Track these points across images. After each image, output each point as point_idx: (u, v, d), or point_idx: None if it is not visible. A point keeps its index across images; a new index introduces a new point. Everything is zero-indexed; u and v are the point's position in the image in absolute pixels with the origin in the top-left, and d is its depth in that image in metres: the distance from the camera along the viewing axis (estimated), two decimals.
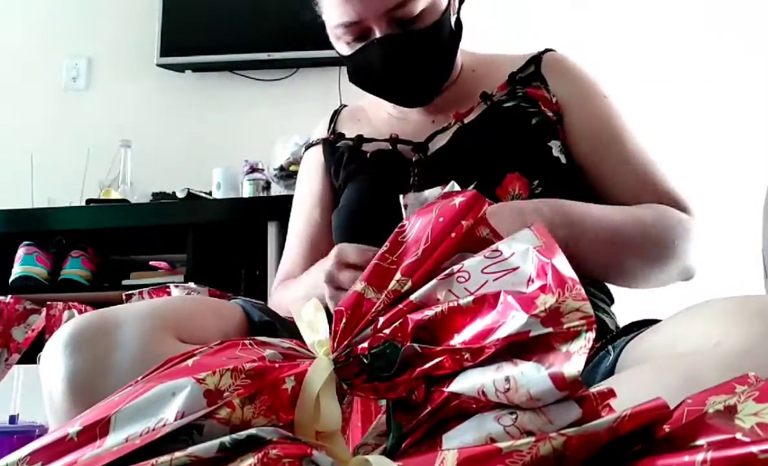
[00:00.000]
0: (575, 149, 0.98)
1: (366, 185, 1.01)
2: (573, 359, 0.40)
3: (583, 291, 0.43)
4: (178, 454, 0.41)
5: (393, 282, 0.48)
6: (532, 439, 0.36)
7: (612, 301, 0.99)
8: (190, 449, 0.41)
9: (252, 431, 0.41)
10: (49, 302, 1.41)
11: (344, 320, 0.48)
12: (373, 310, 0.47)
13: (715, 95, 2.35)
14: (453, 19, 0.99)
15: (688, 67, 2.40)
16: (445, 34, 0.97)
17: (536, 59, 1.04)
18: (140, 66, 2.56)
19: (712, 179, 2.25)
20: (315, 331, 0.48)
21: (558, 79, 1.01)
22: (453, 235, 0.50)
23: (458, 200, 0.52)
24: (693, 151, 2.30)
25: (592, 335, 0.41)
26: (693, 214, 0.94)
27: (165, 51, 2.50)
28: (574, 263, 0.88)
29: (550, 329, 0.42)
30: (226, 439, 0.41)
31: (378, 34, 0.93)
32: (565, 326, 0.41)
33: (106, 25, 2.62)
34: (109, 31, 2.62)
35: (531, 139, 0.96)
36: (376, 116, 1.12)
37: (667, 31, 2.44)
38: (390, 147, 1.02)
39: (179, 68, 2.55)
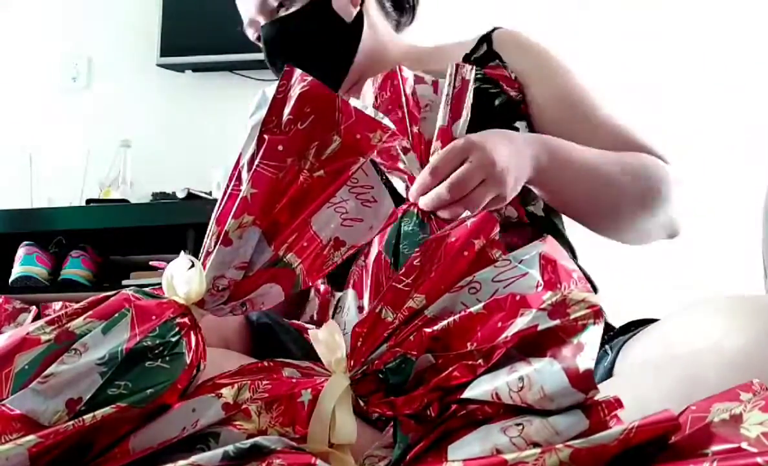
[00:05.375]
0: (542, 120, 0.96)
1: None
2: (585, 350, 0.40)
3: (588, 284, 0.44)
4: (181, 463, 0.41)
5: (408, 301, 0.49)
6: (538, 450, 0.36)
7: (595, 291, 0.98)
8: (193, 458, 0.41)
9: (256, 440, 0.41)
10: (44, 303, 1.40)
11: (361, 340, 0.49)
12: (390, 328, 0.48)
13: (716, 95, 2.35)
14: (353, 11, 1.00)
15: (689, 67, 2.39)
16: (321, 18, 0.98)
17: (486, 38, 1.01)
18: (140, 66, 2.56)
19: (712, 179, 2.24)
20: (332, 351, 0.48)
21: (514, 54, 0.99)
22: (465, 253, 0.51)
23: (470, 221, 0.53)
24: (693, 150, 2.29)
25: (600, 326, 0.41)
26: (670, 166, 0.94)
27: (165, 51, 2.50)
28: (561, 196, 0.86)
29: (557, 321, 0.42)
30: (230, 448, 0.41)
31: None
32: (572, 317, 0.42)
33: (106, 25, 2.62)
34: (109, 31, 2.61)
35: (495, 120, 0.92)
36: None
37: (669, 31, 2.43)
38: None
39: (179, 68, 2.54)
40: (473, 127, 0.90)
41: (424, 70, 0.93)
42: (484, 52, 1.00)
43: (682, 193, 0.92)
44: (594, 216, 0.91)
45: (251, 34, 1.03)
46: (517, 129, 0.93)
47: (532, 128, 0.95)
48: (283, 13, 0.97)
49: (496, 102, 0.94)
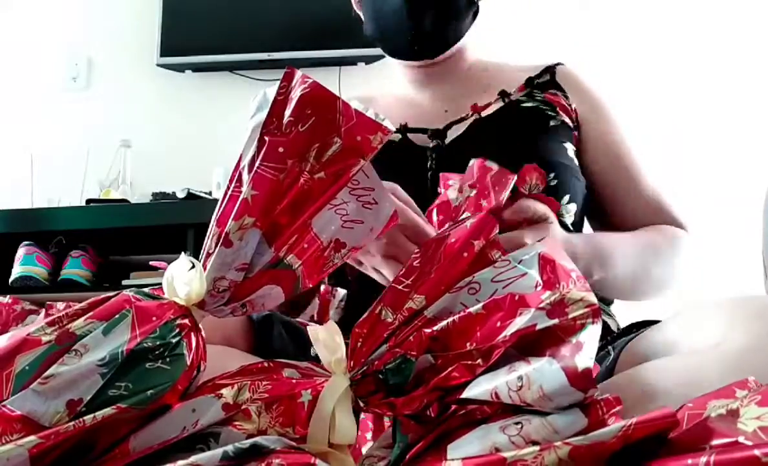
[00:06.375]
0: (588, 166, 1.02)
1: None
2: (584, 349, 0.40)
3: (587, 284, 0.44)
4: (180, 463, 0.41)
5: (408, 301, 0.49)
6: (536, 448, 0.36)
7: (611, 300, 1.00)
8: (193, 458, 0.41)
9: (256, 440, 0.41)
10: (49, 302, 1.41)
11: (360, 340, 0.49)
12: (389, 329, 0.48)
13: (716, 95, 2.35)
14: None
15: (689, 67, 2.39)
16: None
17: (550, 70, 1.07)
18: (140, 66, 2.56)
19: (712, 180, 2.25)
20: (332, 351, 0.49)
21: (574, 92, 1.04)
22: (465, 254, 0.51)
23: (469, 223, 0.54)
24: (694, 151, 2.30)
25: (598, 326, 0.42)
26: (689, 234, 1.00)
27: (165, 51, 2.50)
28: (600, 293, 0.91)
29: (556, 320, 0.42)
30: (230, 448, 0.41)
31: None
32: (570, 316, 0.42)
33: (106, 25, 2.62)
34: (109, 31, 2.61)
35: (548, 136, 0.98)
36: (385, 104, 1.12)
37: (668, 32, 2.43)
38: (399, 136, 1.02)
39: (179, 68, 2.54)
40: (528, 137, 0.98)
41: (488, 82, 1.04)
42: (547, 80, 1.05)
43: (693, 261, 1.00)
44: (621, 297, 0.99)
45: None
46: (564, 148, 0.98)
47: (579, 155, 1.01)
48: None
49: (551, 123, 0.99)
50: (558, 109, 1.00)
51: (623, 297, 0.99)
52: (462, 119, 1.01)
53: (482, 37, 1.11)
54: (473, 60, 1.10)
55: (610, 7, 2.48)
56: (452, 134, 1.00)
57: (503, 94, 1.02)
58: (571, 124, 1.00)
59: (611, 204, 1.02)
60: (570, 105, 1.02)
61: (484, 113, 1.01)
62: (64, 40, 2.61)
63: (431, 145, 0.99)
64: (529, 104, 1.01)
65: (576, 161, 0.98)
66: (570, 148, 0.98)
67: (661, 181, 1.03)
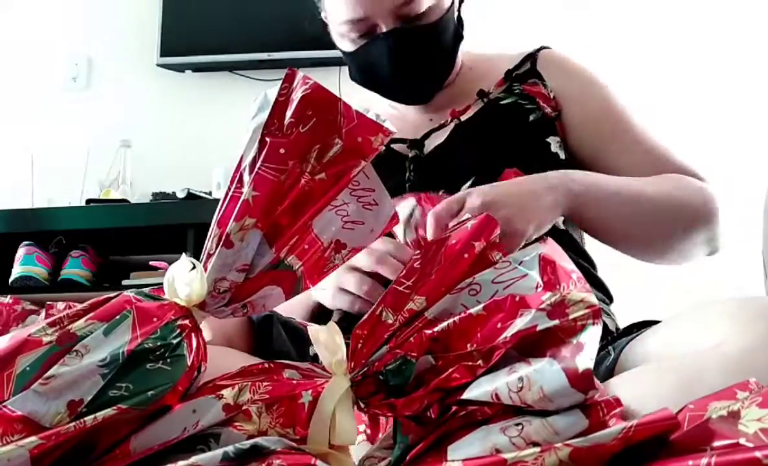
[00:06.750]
0: (577, 139, 0.99)
1: None
2: (585, 350, 0.41)
3: (587, 285, 0.44)
4: (181, 463, 0.41)
5: (409, 302, 0.49)
6: (537, 449, 0.36)
7: (611, 300, 0.99)
8: (193, 459, 0.41)
9: (256, 440, 0.42)
10: (49, 303, 1.41)
11: (361, 342, 0.49)
12: (390, 330, 0.48)
13: (715, 95, 2.35)
14: (455, 17, 1.00)
15: (687, 67, 2.39)
16: (449, 31, 0.98)
17: (531, 57, 1.04)
18: (140, 66, 2.56)
19: (712, 179, 2.24)
20: (332, 352, 0.49)
21: (554, 74, 1.02)
22: (466, 255, 0.52)
23: (470, 223, 0.54)
24: (692, 151, 2.29)
25: (599, 327, 0.42)
26: (709, 184, 0.95)
27: (165, 51, 2.50)
28: (600, 227, 0.87)
29: (557, 322, 0.43)
30: (230, 448, 0.41)
31: (384, 30, 0.94)
32: (571, 317, 0.43)
33: (106, 25, 2.62)
34: (109, 31, 2.61)
35: (528, 135, 0.97)
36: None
37: (665, 31, 2.43)
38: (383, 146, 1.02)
39: (179, 68, 2.55)
40: (508, 139, 0.96)
41: (473, 80, 1.02)
42: (527, 69, 1.03)
43: (721, 210, 0.94)
44: (636, 242, 0.93)
45: (353, 28, 0.95)
46: (548, 144, 0.96)
47: (565, 145, 0.98)
48: (416, 22, 0.93)
49: (531, 117, 0.97)
50: (538, 99, 0.99)
51: (626, 237, 0.91)
52: (442, 126, 1.00)
53: (476, 35, 1.10)
54: (460, 62, 1.07)
55: (609, 7, 2.48)
56: (432, 143, 0.99)
57: (481, 94, 1.01)
58: (552, 113, 0.98)
59: (608, 172, 0.95)
60: (549, 93, 1.00)
61: (463, 117, 1.00)
62: (64, 40, 2.61)
63: (410, 155, 0.98)
64: (508, 101, 0.99)
65: (562, 155, 0.96)
66: (554, 143, 0.96)
67: (664, 138, 0.98)
